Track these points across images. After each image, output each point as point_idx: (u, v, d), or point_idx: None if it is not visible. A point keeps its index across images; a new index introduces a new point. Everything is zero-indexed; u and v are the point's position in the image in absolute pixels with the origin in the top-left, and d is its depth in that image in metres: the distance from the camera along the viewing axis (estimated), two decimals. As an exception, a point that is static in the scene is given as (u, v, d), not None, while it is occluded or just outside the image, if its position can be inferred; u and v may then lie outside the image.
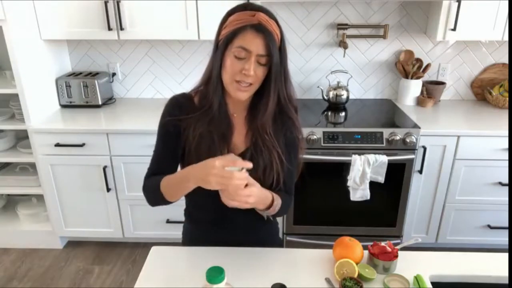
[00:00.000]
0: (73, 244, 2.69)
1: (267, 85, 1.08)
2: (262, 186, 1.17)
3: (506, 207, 2.41)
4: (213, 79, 1.09)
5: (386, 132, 2.24)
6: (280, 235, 2.01)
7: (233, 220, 1.23)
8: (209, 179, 0.94)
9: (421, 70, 2.63)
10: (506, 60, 2.68)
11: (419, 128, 2.25)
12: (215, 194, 1.15)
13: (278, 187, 1.18)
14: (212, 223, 1.25)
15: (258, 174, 1.12)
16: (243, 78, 1.03)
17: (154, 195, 1.13)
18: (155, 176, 1.14)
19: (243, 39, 1.01)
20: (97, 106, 2.60)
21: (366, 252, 1.17)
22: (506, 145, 2.25)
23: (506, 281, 1.12)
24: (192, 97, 1.17)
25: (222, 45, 1.04)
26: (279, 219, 1.67)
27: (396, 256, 1.13)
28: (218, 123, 1.12)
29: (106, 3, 2.24)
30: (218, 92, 1.10)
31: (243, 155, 1.13)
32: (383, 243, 1.15)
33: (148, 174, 1.19)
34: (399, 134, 2.22)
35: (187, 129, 1.12)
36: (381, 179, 2.23)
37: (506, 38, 2.31)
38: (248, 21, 1.01)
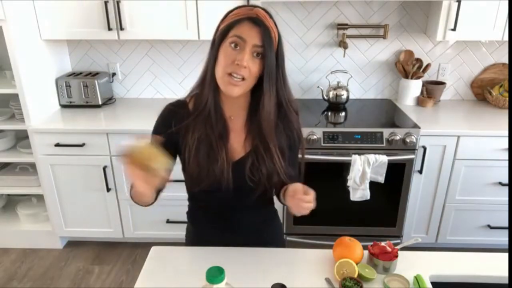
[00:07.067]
0: (73, 244, 2.69)
1: (263, 84, 1.04)
2: (267, 192, 1.17)
3: (506, 207, 2.41)
4: (207, 77, 1.07)
5: (386, 132, 2.24)
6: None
7: (236, 223, 1.23)
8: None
9: (421, 70, 2.63)
10: (506, 60, 2.68)
11: (419, 128, 2.25)
12: (218, 197, 1.16)
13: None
14: (216, 225, 1.25)
15: (263, 182, 1.12)
16: (235, 70, 1.00)
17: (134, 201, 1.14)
18: None
19: (239, 29, 1.00)
20: (97, 106, 2.60)
21: (366, 252, 1.17)
22: (506, 145, 2.25)
23: (506, 281, 1.12)
24: (186, 103, 1.15)
25: (218, 38, 1.03)
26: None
27: (396, 256, 1.13)
28: (214, 123, 1.09)
29: (106, 3, 2.24)
30: (212, 90, 1.07)
31: (243, 161, 1.12)
32: (383, 243, 1.15)
33: None
34: (399, 134, 2.22)
35: (186, 137, 1.10)
36: (381, 179, 2.23)
37: (506, 38, 2.31)
38: (246, 14, 1.01)
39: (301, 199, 0.99)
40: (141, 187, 0.94)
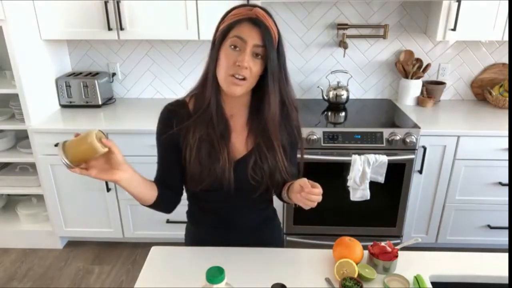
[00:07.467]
0: (73, 244, 2.69)
1: (267, 83, 1.05)
2: (268, 191, 1.18)
3: (506, 207, 2.41)
4: (209, 77, 1.07)
5: (386, 132, 2.24)
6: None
7: (236, 222, 1.23)
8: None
9: (421, 70, 2.63)
10: (506, 60, 2.68)
11: (419, 128, 2.25)
12: (219, 196, 1.16)
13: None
14: (215, 225, 1.25)
15: (265, 180, 1.12)
16: (237, 71, 1.00)
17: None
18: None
19: (239, 30, 1.00)
20: (97, 106, 2.60)
21: (366, 252, 1.17)
22: (506, 145, 2.25)
23: (506, 281, 1.12)
24: (186, 103, 1.15)
25: (218, 39, 1.03)
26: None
27: (396, 256, 1.13)
28: (216, 123, 1.09)
29: (106, 3, 2.24)
30: (214, 90, 1.07)
31: (245, 160, 1.12)
32: (383, 243, 1.15)
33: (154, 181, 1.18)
34: (399, 134, 2.22)
35: (187, 136, 1.10)
36: (381, 179, 2.23)
37: (506, 38, 2.31)
38: (245, 14, 1.01)
39: (309, 192, 0.99)
40: (108, 179, 1.02)
